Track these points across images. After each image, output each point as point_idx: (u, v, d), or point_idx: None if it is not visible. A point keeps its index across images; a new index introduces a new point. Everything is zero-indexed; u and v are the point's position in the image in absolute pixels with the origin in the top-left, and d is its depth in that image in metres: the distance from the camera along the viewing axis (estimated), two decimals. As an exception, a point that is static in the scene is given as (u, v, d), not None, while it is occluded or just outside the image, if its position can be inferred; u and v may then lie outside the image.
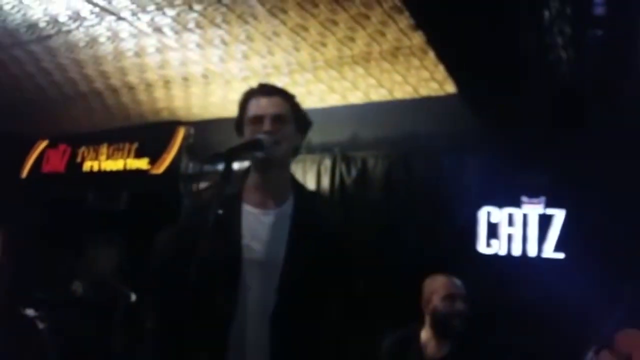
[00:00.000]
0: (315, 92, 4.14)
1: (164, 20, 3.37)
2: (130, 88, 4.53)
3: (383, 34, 3.28)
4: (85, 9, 3.32)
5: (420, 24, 2.84)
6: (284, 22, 3.24)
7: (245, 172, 1.91)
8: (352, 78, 3.93)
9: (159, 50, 3.80)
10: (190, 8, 3.19)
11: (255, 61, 3.81)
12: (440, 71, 3.59)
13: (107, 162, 5.46)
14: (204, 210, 1.68)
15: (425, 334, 2.68)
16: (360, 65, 3.72)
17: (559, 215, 3.47)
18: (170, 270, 1.76)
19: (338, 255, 1.77)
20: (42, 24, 3.55)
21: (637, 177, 3.17)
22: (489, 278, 3.42)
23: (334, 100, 4.19)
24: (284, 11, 3.12)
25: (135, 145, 5.31)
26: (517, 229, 3.57)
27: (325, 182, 4.20)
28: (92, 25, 3.52)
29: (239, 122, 1.90)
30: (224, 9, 3.17)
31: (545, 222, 3.50)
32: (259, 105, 1.85)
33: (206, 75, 4.15)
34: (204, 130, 4.97)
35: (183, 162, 4.98)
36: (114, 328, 3.28)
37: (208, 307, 1.70)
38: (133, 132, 5.35)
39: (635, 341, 2.50)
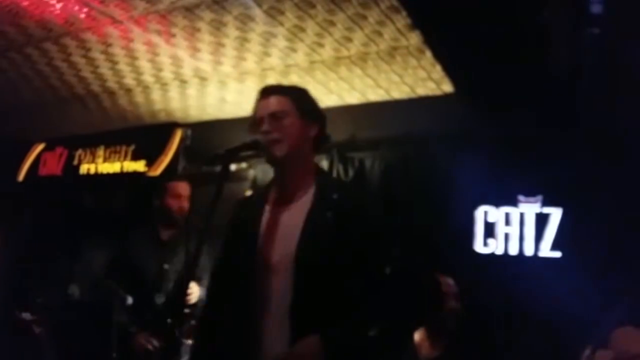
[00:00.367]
0: (313, 93, 4.14)
1: (161, 22, 3.37)
2: (127, 90, 4.52)
3: (380, 34, 3.29)
4: (82, 12, 3.31)
5: (417, 24, 2.86)
6: (281, 23, 3.25)
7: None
8: (350, 78, 3.93)
9: (155, 53, 3.80)
10: (187, 10, 3.19)
11: (252, 62, 3.82)
12: (438, 71, 3.60)
13: (104, 164, 5.45)
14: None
15: (419, 334, 2.68)
16: (357, 65, 3.73)
17: (555, 214, 3.48)
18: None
19: (353, 245, 1.70)
20: (38, 27, 3.55)
21: (634, 176, 3.18)
22: (486, 277, 3.43)
23: (331, 100, 4.20)
24: (281, 12, 3.12)
25: (132, 148, 5.30)
26: (514, 228, 3.58)
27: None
28: (89, 28, 3.52)
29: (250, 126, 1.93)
30: (220, 10, 3.17)
31: (542, 221, 3.51)
32: (258, 107, 1.89)
33: (203, 77, 4.15)
34: (201, 132, 4.97)
35: (180, 164, 4.97)
36: (111, 331, 3.26)
37: (228, 307, 1.79)
38: (130, 134, 5.34)
39: (631, 339, 2.51)
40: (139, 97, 4.65)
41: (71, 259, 5.19)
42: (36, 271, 5.12)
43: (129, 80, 4.32)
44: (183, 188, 3.50)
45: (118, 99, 4.72)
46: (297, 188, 1.82)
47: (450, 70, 3.17)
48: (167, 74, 4.15)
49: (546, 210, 3.51)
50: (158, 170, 5.01)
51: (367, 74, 3.85)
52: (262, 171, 4.46)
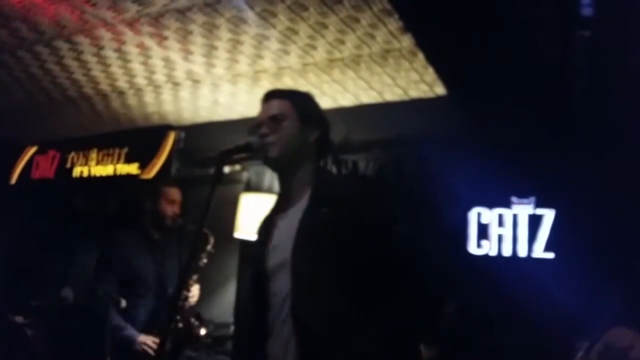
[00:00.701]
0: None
1: (153, 25, 3.36)
2: (120, 93, 4.51)
3: (373, 37, 3.30)
4: (74, 15, 3.30)
5: (409, 26, 2.86)
6: (273, 26, 3.25)
7: None
8: (342, 81, 3.94)
9: (147, 55, 3.80)
10: (179, 12, 3.19)
11: (245, 65, 3.82)
12: (430, 73, 3.61)
13: (97, 167, 5.43)
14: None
15: None
16: (350, 67, 3.73)
17: (548, 215, 3.49)
18: None
19: (343, 242, 1.67)
20: (29, 30, 3.54)
21: (626, 177, 3.19)
22: (480, 278, 3.44)
23: (324, 103, 4.19)
24: (274, 14, 3.13)
25: (125, 150, 5.29)
26: (508, 230, 3.59)
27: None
28: (81, 31, 3.51)
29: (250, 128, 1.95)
30: (212, 13, 3.17)
31: (535, 222, 3.52)
32: (260, 111, 1.90)
33: (196, 80, 4.14)
34: (195, 135, 4.96)
35: (174, 167, 4.97)
36: (104, 334, 3.25)
37: (242, 316, 1.84)
38: (123, 137, 5.33)
39: (624, 340, 2.52)
40: (132, 100, 4.64)
41: (64, 261, 5.18)
42: (29, 274, 5.10)
43: (122, 83, 4.32)
44: (177, 194, 3.56)
45: (111, 102, 4.71)
46: (297, 192, 1.83)
47: (442, 73, 3.18)
48: (159, 77, 4.15)
49: (539, 211, 3.53)
50: (151, 173, 5.00)
51: (360, 77, 3.85)
52: (256, 174, 4.46)
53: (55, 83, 4.38)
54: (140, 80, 4.24)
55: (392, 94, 4.09)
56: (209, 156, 1.90)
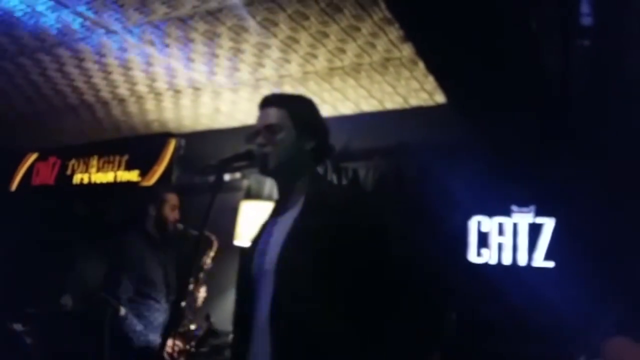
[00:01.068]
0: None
1: (155, 33, 3.38)
2: (121, 100, 4.52)
3: (373, 46, 3.31)
4: (76, 22, 3.32)
5: (409, 35, 2.87)
6: (274, 34, 3.26)
7: None
8: (343, 89, 3.95)
9: (149, 63, 3.81)
10: (181, 21, 3.21)
11: (246, 73, 3.83)
12: (430, 82, 3.62)
13: (97, 174, 5.43)
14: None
15: None
16: (350, 76, 3.75)
17: (548, 224, 3.49)
18: None
19: (331, 253, 1.65)
20: (31, 38, 3.55)
21: (626, 186, 3.19)
22: (480, 287, 3.44)
23: (324, 111, 4.16)
24: (275, 23, 3.14)
25: (125, 158, 5.29)
26: (508, 238, 3.59)
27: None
28: (82, 39, 3.52)
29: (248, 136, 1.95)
30: (214, 22, 3.18)
31: (535, 231, 3.52)
32: (258, 118, 1.90)
33: (197, 87, 4.16)
34: (195, 142, 4.97)
35: (174, 174, 4.97)
36: (103, 342, 3.24)
37: (235, 325, 1.90)
38: (123, 144, 5.34)
39: (624, 349, 2.51)
40: (133, 107, 4.65)
41: (64, 268, 5.17)
42: (28, 281, 5.08)
43: (123, 90, 4.33)
44: (177, 200, 3.62)
45: (111, 109, 4.72)
46: (293, 198, 1.83)
47: (442, 81, 3.19)
48: (160, 84, 4.16)
49: (539, 220, 3.53)
50: (152, 180, 5.00)
51: (360, 85, 3.87)
52: (256, 181, 4.46)
53: (56, 90, 4.39)
54: (141, 88, 4.25)
55: (392, 102, 4.10)
56: (209, 164, 1.90)
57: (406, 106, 4.11)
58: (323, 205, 1.75)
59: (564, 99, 3.10)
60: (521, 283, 3.39)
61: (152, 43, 3.51)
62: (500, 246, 3.61)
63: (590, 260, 3.16)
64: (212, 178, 1.90)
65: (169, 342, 3.24)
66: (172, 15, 3.16)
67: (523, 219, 3.57)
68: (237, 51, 3.52)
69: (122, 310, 3.19)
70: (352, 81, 3.82)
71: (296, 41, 3.32)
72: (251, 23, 3.15)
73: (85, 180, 5.47)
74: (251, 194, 4.43)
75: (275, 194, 1.96)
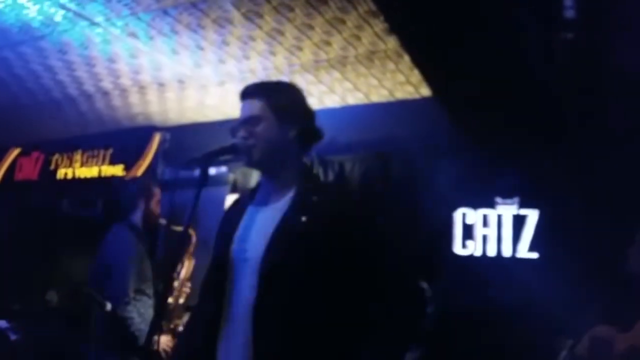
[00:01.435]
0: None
1: (139, 25, 3.35)
2: (105, 94, 4.48)
3: (359, 38, 3.31)
4: (58, 14, 3.28)
5: (394, 28, 2.88)
6: (259, 27, 3.25)
7: None
8: (329, 82, 3.95)
9: (133, 56, 3.78)
10: (165, 13, 3.18)
11: (231, 65, 3.81)
12: (416, 75, 3.63)
13: (81, 169, 5.39)
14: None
15: None
16: (336, 69, 3.74)
17: (532, 216, 3.53)
18: None
19: (323, 251, 1.65)
20: (14, 30, 3.51)
21: (609, 177, 3.23)
22: (465, 278, 3.46)
23: (310, 103, 4.20)
24: (260, 15, 3.13)
25: (110, 152, 5.26)
26: (492, 230, 3.62)
27: (303, 186, 4.20)
28: (65, 31, 3.48)
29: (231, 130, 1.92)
30: (199, 14, 3.16)
31: (519, 222, 3.55)
32: (240, 111, 1.86)
33: (182, 80, 4.13)
34: (180, 136, 4.94)
35: (159, 168, 4.95)
36: (89, 337, 3.22)
37: (203, 306, 1.83)
38: (108, 138, 5.30)
39: (607, 338, 2.55)
40: (117, 101, 4.61)
41: (48, 264, 5.13)
42: (13, 277, 5.04)
43: (107, 84, 4.29)
44: (160, 194, 3.56)
45: (95, 103, 4.68)
46: (279, 189, 1.81)
47: (427, 74, 3.20)
48: (145, 77, 4.13)
49: (523, 211, 3.56)
50: (136, 174, 4.97)
51: (346, 78, 3.87)
52: (242, 175, 4.45)
53: (39, 83, 4.34)
54: (126, 81, 4.21)
55: (378, 95, 4.11)
56: (194, 157, 1.88)
57: (392, 99, 4.12)
58: (313, 204, 1.74)
59: (549, 92, 3.12)
60: (506, 274, 3.42)
61: (136, 36, 3.48)
62: (485, 238, 3.64)
63: (573, 251, 3.20)
64: (197, 172, 1.87)
65: (162, 338, 3.22)
66: (156, 7, 3.13)
67: (507, 210, 3.60)
68: (222, 43, 3.50)
69: (108, 306, 3.16)
70: (338, 74, 3.82)
71: (281, 33, 3.31)
72: (236, 15, 3.13)
73: (69, 175, 5.42)
74: (237, 188, 4.42)
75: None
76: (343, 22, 3.13)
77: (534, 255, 3.49)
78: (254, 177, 4.32)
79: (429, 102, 3.78)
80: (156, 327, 2.62)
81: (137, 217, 3.44)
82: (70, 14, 3.28)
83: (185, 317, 3.60)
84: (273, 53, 3.58)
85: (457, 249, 3.69)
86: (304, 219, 1.70)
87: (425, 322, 2.62)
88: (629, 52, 2.83)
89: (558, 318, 2.76)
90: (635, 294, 2.54)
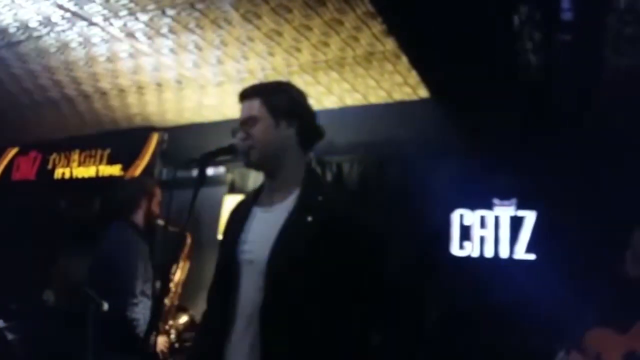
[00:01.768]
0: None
1: (137, 26, 3.35)
2: (103, 94, 4.48)
3: (357, 39, 3.31)
4: (57, 14, 3.28)
5: (392, 29, 2.88)
6: (258, 27, 3.25)
7: None
8: (327, 83, 3.95)
9: (131, 56, 3.78)
10: (164, 13, 3.18)
11: (230, 66, 3.81)
12: (413, 76, 3.63)
13: (79, 169, 5.39)
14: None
15: None
16: (334, 70, 3.75)
17: (529, 217, 3.53)
18: None
19: (329, 251, 1.65)
20: (12, 30, 3.51)
21: (607, 179, 3.24)
22: (463, 279, 3.47)
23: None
24: (258, 16, 3.13)
25: (107, 152, 5.26)
26: (489, 231, 3.62)
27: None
28: (64, 31, 3.48)
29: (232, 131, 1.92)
30: (197, 14, 3.16)
31: (516, 223, 3.56)
32: (240, 112, 1.86)
33: (180, 81, 4.13)
34: (178, 136, 4.94)
35: (157, 168, 4.94)
36: (86, 337, 3.21)
37: (212, 310, 1.84)
38: (105, 138, 5.30)
39: (604, 340, 2.55)
40: (115, 101, 4.61)
41: (46, 264, 5.12)
42: (10, 277, 5.03)
43: (105, 84, 4.29)
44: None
45: (93, 103, 4.67)
46: (282, 189, 1.80)
47: (425, 76, 3.20)
48: (143, 78, 4.12)
49: (520, 213, 3.56)
50: (134, 174, 4.97)
51: (344, 79, 3.87)
52: (240, 175, 4.45)
53: (37, 83, 4.34)
54: (124, 81, 4.21)
55: (376, 97, 4.11)
56: (192, 158, 1.88)
57: (390, 100, 4.12)
58: (318, 202, 1.74)
59: (546, 93, 3.12)
60: (503, 275, 3.42)
61: (135, 36, 3.48)
62: (482, 239, 3.64)
63: (570, 253, 3.20)
64: (195, 172, 1.87)
65: (160, 339, 3.22)
66: (154, 7, 3.13)
67: (505, 212, 3.61)
68: (220, 44, 3.50)
69: (105, 306, 3.15)
70: (336, 75, 3.82)
71: (280, 34, 3.32)
72: (234, 15, 3.13)
73: (67, 175, 5.42)
74: (235, 188, 4.42)
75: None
76: (341, 23, 3.13)
77: (531, 256, 3.49)
78: (252, 177, 4.33)
79: (427, 104, 3.80)
80: (154, 328, 2.62)
81: (139, 216, 3.39)
82: (68, 14, 3.28)
83: (180, 318, 3.60)
84: (271, 54, 3.58)
85: (455, 250, 3.69)
86: (309, 218, 1.69)
87: (426, 321, 2.62)
88: (627, 53, 2.84)
89: (555, 319, 2.76)
90: (632, 296, 2.55)
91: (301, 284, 1.64)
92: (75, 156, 5.41)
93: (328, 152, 4.19)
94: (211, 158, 1.86)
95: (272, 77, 3.89)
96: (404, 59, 3.37)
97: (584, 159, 3.33)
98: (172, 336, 3.50)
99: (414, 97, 4.02)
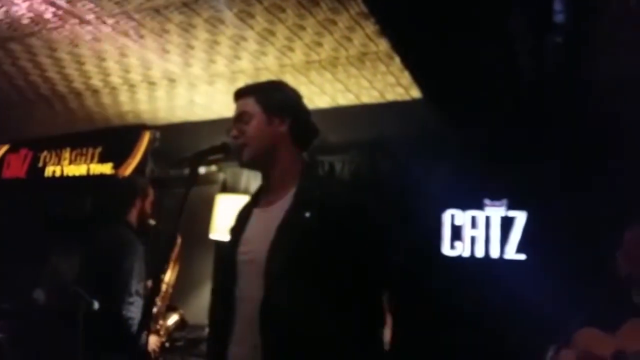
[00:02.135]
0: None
1: (129, 24, 3.34)
2: (94, 91, 4.46)
3: (350, 40, 3.32)
4: (48, 12, 3.26)
5: (385, 30, 2.89)
6: (251, 27, 3.25)
7: None
8: (320, 83, 3.95)
9: (123, 54, 3.76)
10: (156, 11, 3.17)
11: (222, 65, 3.81)
12: (406, 76, 3.64)
13: (69, 167, 5.36)
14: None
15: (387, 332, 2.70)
16: (327, 70, 3.75)
17: (520, 217, 3.55)
18: None
19: (329, 246, 1.64)
20: (3, 27, 3.48)
21: (597, 179, 3.26)
22: (454, 279, 3.48)
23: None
24: (252, 15, 3.13)
25: (99, 150, 5.23)
26: (480, 231, 3.64)
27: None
28: (55, 28, 3.46)
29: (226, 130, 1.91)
30: (190, 13, 3.15)
31: (507, 224, 3.57)
32: (234, 112, 1.86)
33: (172, 79, 4.12)
34: (170, 134, 4.93)
35: (148, 167, 4.92)
36: (76, 336, 3.19)
37: (217, 310, 1.86)
38: (97, 136, 5.27)
39: (594, 339, 2.57)
40: (107, 99, 4.59)
41: (36, 262, 5.09)
42: (0, 276, 5.00)
43: (96, 82, 4.27)
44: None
45: (85, 100, 4.65)
46: (279, 188, 1.79)
47: (417, 76, 3.21)
48: (135, 76, 4.11)
49: (511, 213, 3.58)
50: (125, 172, 4.95)
51: (337, 79, 3.88)
52: (232, 174, 4.44)
53: (28, 81, 4.31)
54: (115, 79, 4.19)
55: (368, 97, 4.12)
56: (184, 156, 1.87)
57: (382, 100, 4.13)
58: (316, 197, 1.72)
59: (537, 94, 3.14)
60: (494, 275, 3.44)
61: (127, 34, 3.47)
62: (473, 239, 3.66)
63: (561, 253, 3.22)
64: (186, 171, 1.86)
65: (151, 339, 3.21)
66: (147, 5, 3.12)
67: (495, 212, 3.62)
68: (213, 43, 3.50)
69: (96, 305, 3.13)
70: (329, 75, 3.82)
71: (273, 34, 3.31)
72: (227, 15, 3.13)
73: (58, 173, 5.39)
74: (227, 187, 4.41)
75: (252, 188, 1.95)
76: (334, 23, 3.14)
77: (522, 256, 3.51)
78: (244, 176, 4.32)
79: (419, 104, 3.80)
80: (145, 328, 2.62)
81: (133, 216, 3.37)
82: (60, 12, 3.26)
83: (170, 318, 3.58)
84: (264, 53, 3.58)
85: (446, 249, 3.70)
86: (307, 214, 1.68)
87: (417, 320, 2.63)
88: (618, 56, 2.86)
89: (545, 319, 2.78)
90: (623, 296, 2.56)
91: (302, 281, 1.63)
92: (66, 154, 5.38)
93: (320, 152, 4.19)
94: (203, 157, 1.85)
95: (265, 76, 3.89)
96: (397, 60, 3.38)
97: (575, 161, 3.35)
98: (162, 335, 3.49)
99: (407, 98, 4.03)
